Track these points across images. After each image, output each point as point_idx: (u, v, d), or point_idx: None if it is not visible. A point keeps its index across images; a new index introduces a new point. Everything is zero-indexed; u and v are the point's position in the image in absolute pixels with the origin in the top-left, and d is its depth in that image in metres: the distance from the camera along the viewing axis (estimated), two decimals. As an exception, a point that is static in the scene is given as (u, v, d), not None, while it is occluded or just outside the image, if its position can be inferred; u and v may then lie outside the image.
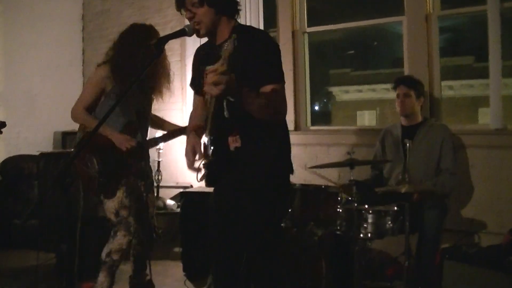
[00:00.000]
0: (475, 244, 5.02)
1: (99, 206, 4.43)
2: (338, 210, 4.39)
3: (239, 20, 3.21)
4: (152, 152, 6.63)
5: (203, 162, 3.09)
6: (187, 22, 3.09)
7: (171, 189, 6.99)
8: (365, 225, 4.28)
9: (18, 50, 7.54)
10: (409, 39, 5.68)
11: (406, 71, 5.68)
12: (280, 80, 3.06)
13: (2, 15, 7.43)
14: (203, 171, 3.13)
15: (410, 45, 5.66)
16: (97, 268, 4.28)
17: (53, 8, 8.00)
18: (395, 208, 4.29)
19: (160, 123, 4.77)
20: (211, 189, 3.23)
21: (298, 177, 5.94)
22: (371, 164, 5.24)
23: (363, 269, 4.38)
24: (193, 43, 6.16)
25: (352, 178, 4.46)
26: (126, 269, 4.59)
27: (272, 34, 6.68)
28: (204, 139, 3.05)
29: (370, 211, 4.28)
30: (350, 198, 4.49)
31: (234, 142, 3.07)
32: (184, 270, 5.43)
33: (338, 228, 4.40)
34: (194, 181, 3.59)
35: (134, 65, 4.08)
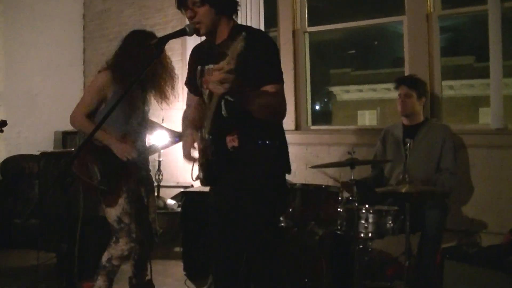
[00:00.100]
0: (475, 244, 5.01)
1: (99, 206, 4.41)
2: (338, 209, 4.39)
3: (240, 19, 3.21)
4: (153, 151, 6.65)
5: (201, 162, 3.09)
6: (187, 22, 3.08)
7: (172, 189, 7.00)
8: (365, 225, 4.28)
9: (19, 50, 7.54)
10: (410, 38, 5.68)
11: (407, 70, 5.68)
12: (280, 80, 3.06)
13: (3, 14, 7.43)
14: (199, 171, 3.14)
15: (411, 44, 5.66)
16: (97, 269, 4.27)
17: (54, 7, 8.00)
18: (396, 207, 4.29)
19: (156, 128, 4.73)
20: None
21: (299, 176, 5.98)
22: (372, 164, 5.23)
23: (364, 269, 4.38)
24: (194, 43, 6.13)
25: (352, 178, 4.46)
26: (126, 269, 4.59)
27: (272, 34, 6.68)
28: (203, 138, 3.05)
29: (371, 211, 4.28)
30: (350, 198, 4.49)
31: (231, 142, 3.06)
32: (184, 269, 5.43)
33: (339, 227, 4.40)
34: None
35: (134, 66, 4.03)
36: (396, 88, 5.06)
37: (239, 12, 3.19)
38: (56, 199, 5.26)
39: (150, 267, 4.51)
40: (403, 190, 4.14)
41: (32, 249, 5.74)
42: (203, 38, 3.24)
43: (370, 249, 4.52)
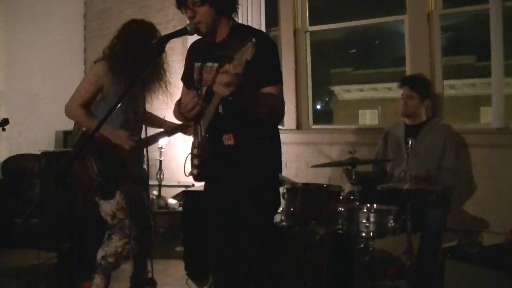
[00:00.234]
0: (477, 243, 5.01)
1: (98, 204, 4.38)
2: (340, 209, 4.39)
3: (241, 18, 3.21)
4: (154, 151, 6.65)
5: (196, 158, 3.10)
6: (188, 21, 3.08)
7: (173, 188, 6.99)
8: (367, 224, 4.27)
9: (20, 49, 7.55)
10: (411, 38, 5.68)
11: (408, 70, 5.68)
12: (280, 81, 3.08)
13: (4, 14, 7.44)
14: (192, 167, 3.15)
15: (412, 44, 5.66)
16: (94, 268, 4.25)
17: (55, 7, 8.00)
18: (397, 207, 4.29)
19: (157, 121, 4.63)
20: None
21: (300, 176, 5.98)
22: (373, 163, 5.23)
23: (365, 268, 4.38)
24: (195, 42, 6.17)
25: (354, 177, 4.46)
26: (127, 268, 4.59)
27: (273, 33, 6.68)
28: (200, 135, 3.06)
29: (372, 210, 4.27)
30: (352, 197, 4.49)
31: (227, 140, 3.07)
32: (185, 269, 5.42)
33: (340, 227, 4.40)
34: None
35: (134, 62, 4.00)
36: (400, 87, 5.05)
37: (240, 12, 3.20)
38: (57, 199, 5.26)
39: (152, 267, 4.51)
40: (405, 187, 4.15)
41: (33, 248, 5.75)
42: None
43: (371, 249, 4.51)
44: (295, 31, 6.48)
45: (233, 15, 3.15)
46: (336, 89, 15.19)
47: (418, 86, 4.98)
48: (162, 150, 6.83)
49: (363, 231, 4.27)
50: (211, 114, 2.95)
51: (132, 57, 4.05)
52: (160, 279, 5.09)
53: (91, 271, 4.26)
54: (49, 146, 7.41)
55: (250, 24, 6.30)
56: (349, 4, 7.50)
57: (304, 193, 4.62)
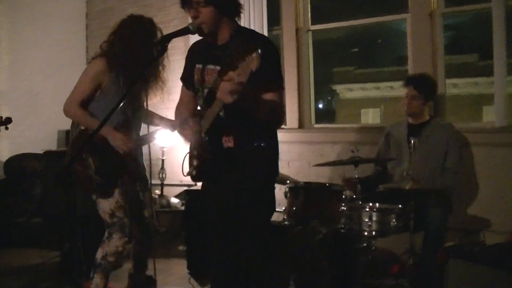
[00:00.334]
0: (479, 242, 5.00)
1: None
2: (342, 208, 4.39)
3: (243, 17, 3.22)
4: (156, 150, 6.64)
5: (195, 159, 3.12)
6: (190, 20, 3.08)
7: (175, 187, 6.99)
8: (369, 223, 4.27)
9: (22, 49, 7.55)
10: (413, 36, 5.67)
11: (410, 69, 5.67)
12: (281, 87, 3.11)
13: (6, 13, 7.44)
14: (190, 167, 3.18)
15: (414, 42, 5.66)
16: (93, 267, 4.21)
17: (57, 6, 8.01)
18: (400, 206, 4.28)
19: (156, 119, 4.52)
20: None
21: (302, 175, 5.97)
22: (376, 162, 5.22)
23: (367, 267, 4.38)
24: (197, 41, 6.16)
25: (356, 176, 4.47)
26: (127, 266, 4.58)
27: (275, 32, 6.68)
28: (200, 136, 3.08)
29: (375, 209, 4.27)
30: (354, 196, 4.49)
31: (226, 142, 3.08)
32: (188, 268, 5.42)
33: (343, 226, 4.40)
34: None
35: (134, 61, 3.97)
36: (405, 86, 5.03)
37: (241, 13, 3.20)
38: (58, 198, 5.27)
39: (154, 266, 4.50)
40: (407, 187, 4.15)
41: (35, 248, 5.77)
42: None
43: (373, 248, 4.52)
44: (297, 30, 6.48)
45: (236, 19, 3.16)
46: (338, 88, 15.16)
47: (423, 86, 4.96)
48: (165, 149, 6.84)
49: (365, 230, 4.28)
50: (212, 117, 2.97)
51: (132, 57, 4.01)
52: (162, 278, 5.09)
53: (90, 270, 4.24)
54: (51, 146, 7.40)
55: (252, 23, 6.32)
56: (351, 3, 7.49)
57: (306, 192, 4.62)
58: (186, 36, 3.23)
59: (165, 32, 3.16)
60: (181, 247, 6.05)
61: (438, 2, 5.51)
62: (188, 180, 3.41)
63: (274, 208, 3.32)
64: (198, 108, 3.26)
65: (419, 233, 4.56)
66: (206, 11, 2.99)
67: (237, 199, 3.09)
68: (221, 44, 3.11)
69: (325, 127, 6.72)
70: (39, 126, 7.56)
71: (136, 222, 4.31)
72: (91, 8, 8.35)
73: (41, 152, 6.38)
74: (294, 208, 4.55)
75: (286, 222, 4.58)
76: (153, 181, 5.73)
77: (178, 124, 3.32)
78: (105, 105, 3.97)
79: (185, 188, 6.35)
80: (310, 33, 6.55)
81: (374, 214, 4.27)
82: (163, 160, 6.86)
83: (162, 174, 6.87)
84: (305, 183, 4.81)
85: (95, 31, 8.16)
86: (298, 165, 6.23)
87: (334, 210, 4.47)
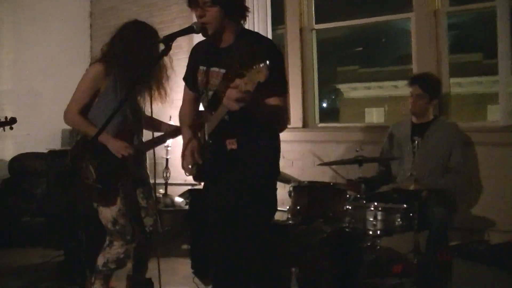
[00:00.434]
0: (484, 242, 4.99)
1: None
2: (346, 207, 4.39)
3: (248, 17, 3.21)
4: (160, 149, 6.65)
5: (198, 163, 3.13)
6: (194, 20, 3.08)
7: (179, 187, 6.99)
8: (374, 222, 4.27)
9: (26, 48, 7.56)
10: (418, 35, 5.66)
11: (415, 68, 5.67)
12: (285, 91, 3.12)
13: (9, 13, 7.45)
14: (192, 167, 3.22)
15: (419, 41, 5.65)
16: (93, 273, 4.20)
17: (61, 6, 8.02)
18: (404, 205, 4.28)
19: (156, 124, 4.46)
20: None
21: (306, 174, 5.97)
22: (379, 161, 5.22)
23: (372, 266, 4.38)
24: (201, 41, 6.17)
25: (360, 176, 4.46)
26: (127, 267, 4.58)
27: (279, 31, 6.69)
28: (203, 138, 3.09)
29: (379, 208, 4.27)
30: (358, 196, 4.49)
31: (230, 145, 3.08)
32: (192, 267, 5.42)
33: (347, 225, 4.39)
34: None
35: (133, 63, 3.94)
36: (410, 85, 5.02)
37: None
38: (60, 198, 5.27)
39: (158, 265, 4.50)
40: (411, 188, 4.14)
41: (38, 247, 5.78)
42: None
43: (378, 247, 4.51)
44: (301, 29, 6.48)
45: (241, 22, 3.15)
46: (342, 87, 15.14)
47: (428, 86, 4.95)
48: (169, 148, 6.84)
49: (370, 229, 4.28)
50: (216, 122, 2.97)
51: (131, 58, 3.98)
52: (166, 277, 5.09)
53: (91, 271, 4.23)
54: (55, 145, 7.42)
55: (256, 22, 6.32)
56: (355, 2, 7.48)
57: (310, 191, 4.63)
58: (189, 35, 3.23)
59: (168, 31, 3.15)
60: (185, 246, 6.05)
61: (442, 1, 5.51)
62: (192, 179, 3.42)
63: (275, 207, 3.33)
64: (201, 109, 3.28)
65: (424, 232, 4.55)
66: (212, 11, 2.98)
67: (237, 199, 3.09)
68: (226, 46, 3.11)
69: (329, 126, 6.72)
70: (43, 126, 7.57)
71: (136, 223, 4.29)
72: (95, 7, 8.37)
73: (45, 151, 6.39)
74: (298, 207, 4.55)
75: (290, 221, 4.58)
76: (157, 180, 5.72)
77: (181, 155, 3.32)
78: (103, 110, 3.95)
79: (189, 187, 6.36)
80: (314, 32, 6.54)
81: (378, 213, 4.27)
82: (167, 159, 6.87)
83: (166, 173, 6.88)
84: (309, 182, 4.81)
85: (99, 30, 8.17)
86: (302, 164, 6.23)
87: (338, 209, 4.47)
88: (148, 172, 4.46)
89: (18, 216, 6.56)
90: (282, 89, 3.06)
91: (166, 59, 4.03)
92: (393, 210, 4.28)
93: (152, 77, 4.14)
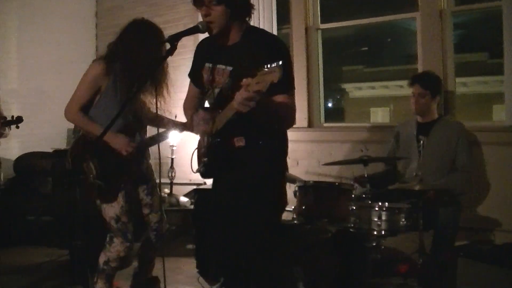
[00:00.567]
0: (489, 242, 4.99)
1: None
2: (351, 207, 4.38)
3: (253, 16, 3.21)
4: (166, 149, 6.66)
5: (204, 158, 3.14)
6: (199, 19, 3.08)
7: (185, 186, 7.00)
8: (378, 222, 4.26)
9: (32, 47, 7.57)
10: (423, 35, 5.66)
11: (420, 67, 5.66)
12: (292, 89, 3.08)
13: (15, 12, 7.46)
14: (199, 165, 3.21)
15: (424, 41, 5.65)
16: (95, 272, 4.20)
17: (67, 5, 8.03)
18: (409, 205, 4.27)
19: (160, 120, 4.41)
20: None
21: (312, 173, 5.97)
22: (385, 161, 5.22)
23: (376, 266, 4.37)
24: (206, 40, 6.18)
25: (366, 175, 4.46)
26: (132, 266, 4.59)
27: (285, 31, 6.69)
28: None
29: (384, 208, 4.26)
30: (363, 195, 4.48)
31: (238, 142, 3.08)
32: (197, 267, 5.43)
33: (352, 225, 4.39)
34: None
35: (135, 63, 3.94)
36: (410, 86, 5.02)
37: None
38: (65, 197, 5.27)
39: (163, 264, 4.50)
40: (417, 188, 4.14)
41: (44, 246, 5.79)
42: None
43: (382, 247, 4.51)
44: (306, 29, 6.48)
45: (247, 19, 3.15)
46: (348, 86, 15.12)
47: (429, 83, 4.96)
48: (174, 148, 6.85)
49: (374, 229, 4.27)
50: (225, 120, 2.95)
51: (132, 58, 3.97)
52: (171, 276, 5.10)
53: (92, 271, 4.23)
54: (61, 144, 7.44)
55: (261, 21, 6.32)
56: (361, 1, 7.47)
57: (315, 191, 4.62)
58: (195, 34, 3.23)
59: (174, 31, 3.15)
60: (190, 246, 6.06)
61: (448, 0, 5.50)
62: (197, 179, 3.43)
63: (281, 207, 3.31)
64: (207, 105, 3.26)
65: (429, 232, 4.55)
66: (217, 9, 2.98)
67: (239, 198, 3.10)
68: (232, 44, 3.11)
69: (334, 126, 6.72)
70: (49, 125, 7.58)
71: (138, 222, 4.28)
72: (101, 6, 8.38)
73: (51, 150, 6.40)
74: (303, 207, 4.54)
75: (295, 221, 4.58)
76: (163, 180, 5.74)
77: (191, 117, 3.31)
78: (104, 109, 3.96)
79: (194, 187, 6.36)
80: (319, 31, 6.55)
81: (383, 213, 4.26)
82: (172, 159, 6.87)
83: (172, 173, 6.88)
84: (314, 182, 4.80)
85: (104, 29, 8.18)
86: (307, 164, 6.23)
87: (343, 209, 4.45)
88: (153, 171, 4.47)
89: (23, 215, 6.56)
90: (289, 86, 3.04)
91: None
92: (398, 210, 4.27)
93: (155, 77, 4.12)
